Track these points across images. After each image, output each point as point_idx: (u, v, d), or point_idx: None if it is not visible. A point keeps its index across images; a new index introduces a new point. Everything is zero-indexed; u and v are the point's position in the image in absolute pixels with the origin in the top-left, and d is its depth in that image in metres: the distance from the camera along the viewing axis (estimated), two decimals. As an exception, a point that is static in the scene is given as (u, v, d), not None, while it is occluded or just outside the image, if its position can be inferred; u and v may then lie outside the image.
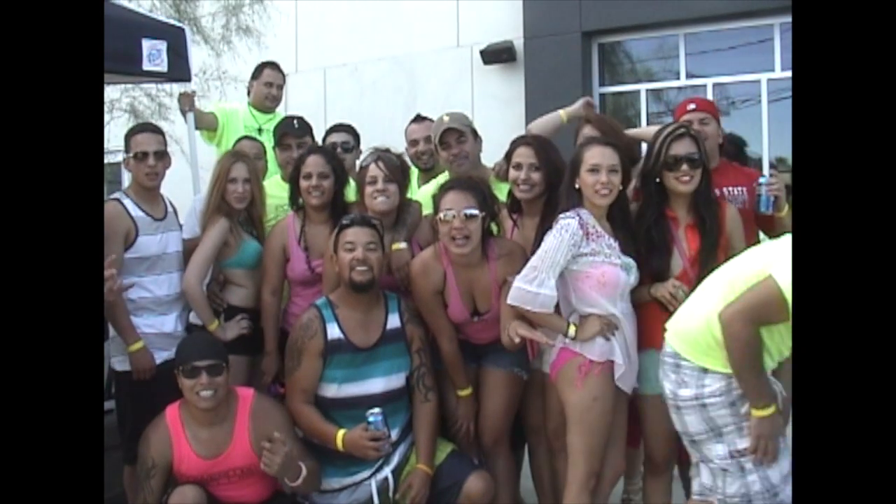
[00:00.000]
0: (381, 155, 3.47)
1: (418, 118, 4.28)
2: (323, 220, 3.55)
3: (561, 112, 3.85)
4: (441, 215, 3.14)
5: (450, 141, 3.67)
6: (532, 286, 2.85)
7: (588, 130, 3.55)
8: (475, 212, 3.12)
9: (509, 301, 2.91)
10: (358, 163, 4.00)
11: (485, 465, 3.36)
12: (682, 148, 3.06)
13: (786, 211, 3.26)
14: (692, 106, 3.51)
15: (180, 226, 3.72)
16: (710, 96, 8.18)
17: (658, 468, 3.21)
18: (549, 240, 2.92)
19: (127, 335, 3.42)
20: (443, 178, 3.81)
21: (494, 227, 3.27)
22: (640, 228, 3.10)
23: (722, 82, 8.34)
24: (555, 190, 3.21)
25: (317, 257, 3.52)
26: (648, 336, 3.04)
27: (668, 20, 8.22)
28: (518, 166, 3.32)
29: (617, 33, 8.64)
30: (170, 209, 3.68)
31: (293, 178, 3.61)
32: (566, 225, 2.92)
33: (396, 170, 3.44)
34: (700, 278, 2.92)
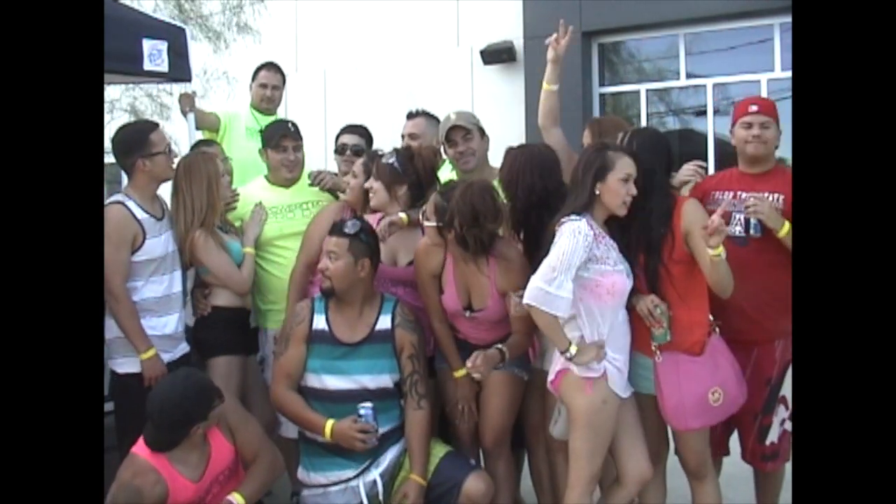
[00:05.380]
0: (375, 156, 3.52)
1: (410, 115, 4.27)
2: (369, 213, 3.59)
3: (546, 85, 3.77)
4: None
5: (456, 138, 3.67)
6: (552, 287, 2.80)
7: (588, 134, 3.58)
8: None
9: (526, 300, 2.85)
10: None
11: (484, 466, 3.36)
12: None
13: (786, 230, 3.06)
14: (754, 108, 3.28)
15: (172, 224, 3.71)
16: (709, 96, 8.21)
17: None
18: (564, 242, 2.85)
19: (139, 342, 3.33)
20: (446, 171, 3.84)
21: (500, 230, 3.22)
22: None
23: (722, 82, 8.35)
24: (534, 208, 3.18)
25: None
26: (640, 337, 3.05)
27: (668, 20, 8.22)
28: None
29: (617, 33, 8.65)
30: (165, 208, 3.67)
31: None
32: (578, 228, 2.87)
33: (383, 168, 3.45)
34: (648, 283, 2.98)
